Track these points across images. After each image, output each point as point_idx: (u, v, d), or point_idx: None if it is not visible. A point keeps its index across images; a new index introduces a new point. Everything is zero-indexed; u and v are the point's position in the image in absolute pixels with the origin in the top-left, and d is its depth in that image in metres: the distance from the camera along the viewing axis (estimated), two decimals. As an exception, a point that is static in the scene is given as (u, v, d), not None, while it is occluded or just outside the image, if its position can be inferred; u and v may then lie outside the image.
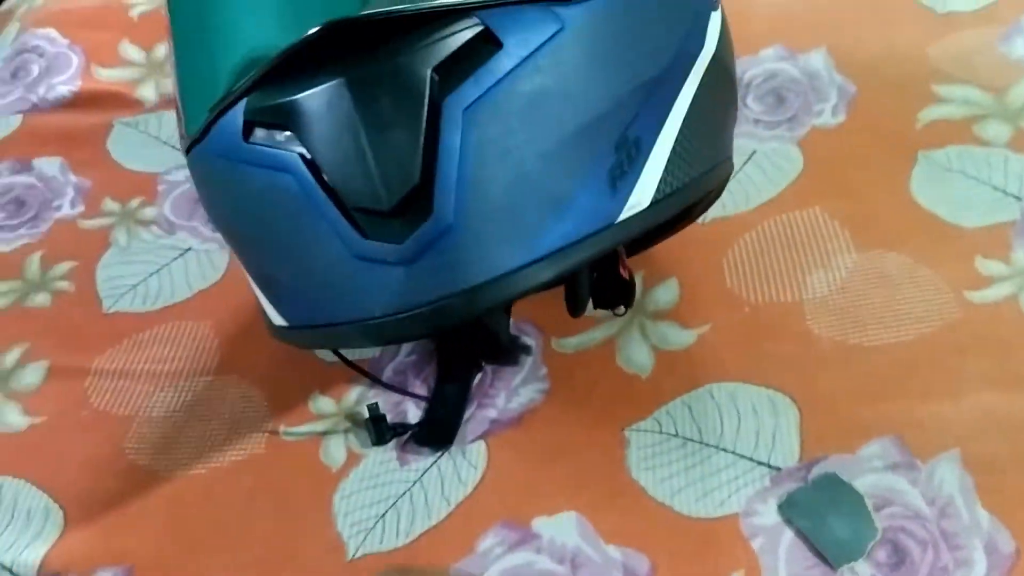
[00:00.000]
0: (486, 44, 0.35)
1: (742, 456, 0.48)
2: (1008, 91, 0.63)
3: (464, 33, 0.34)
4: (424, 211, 0.34)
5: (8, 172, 0.69)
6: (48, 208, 0.67)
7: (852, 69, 0.68)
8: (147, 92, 0.74)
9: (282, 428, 0.52)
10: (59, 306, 0.60)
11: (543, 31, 0.35)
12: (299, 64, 0.34)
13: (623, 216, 0.38)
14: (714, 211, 0.52)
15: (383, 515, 0.49)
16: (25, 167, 0.69)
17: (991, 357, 0.50)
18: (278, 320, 0.39)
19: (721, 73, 0.42)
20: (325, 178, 0.34)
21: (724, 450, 0.49)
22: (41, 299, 0.61)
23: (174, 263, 0.62)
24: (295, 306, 0.34)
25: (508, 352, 0.54)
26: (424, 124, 0.34)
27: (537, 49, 0.35)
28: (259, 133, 0.35)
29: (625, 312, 0.54)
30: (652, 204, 0.38)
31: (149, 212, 0.65)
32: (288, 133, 0.34)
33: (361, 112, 0.30)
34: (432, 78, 0.34)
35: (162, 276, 0.61)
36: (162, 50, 0.77)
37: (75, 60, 0.76)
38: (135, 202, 0.66)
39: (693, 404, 0.51)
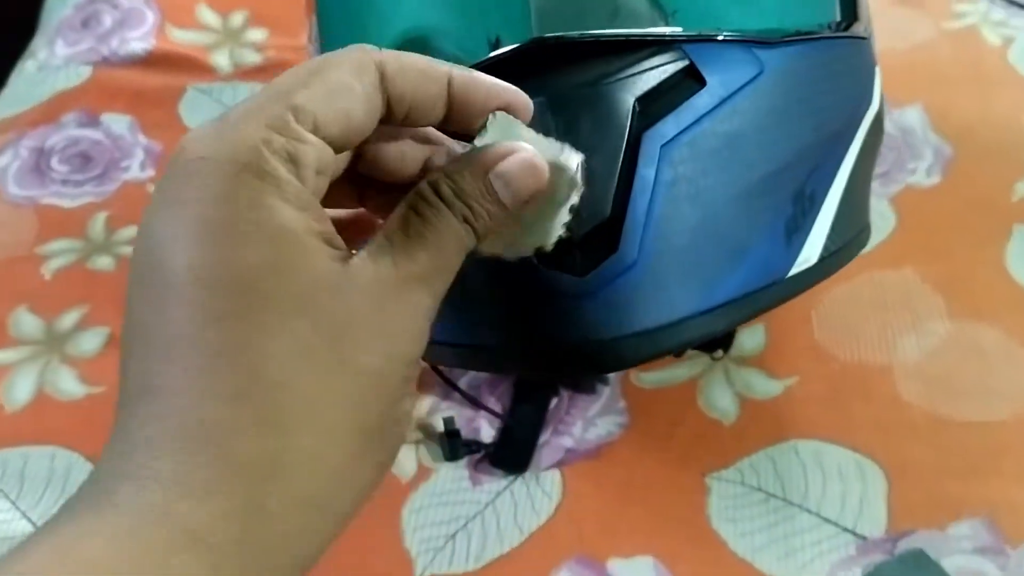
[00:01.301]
0: (688, 79, 0.33)
1: (827, 520, 0.47)
2: (1106, 174, 0.62)
3: (670, 66, 0.33)
4: (608, 246, 0.33)
5: (74, 124, 0.67)
6: (116, 168, 0.64)
7: (948, 130, 0.67)
8: (221, 60, 0.72)
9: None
10: (124, 272, 0.58)
11: (744, 73, 0.34)
12: (490, 74, 0.33)
13: (793, 272, 0.36)
14: (805, 261, 0.51)
15: (454, 535, 0.47)
16: (93, 121, 0.67)
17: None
18: None
19: (879, 132, 0.41)
20: None
21: (808, 511, 0.47)
22: (104, 262, 0.59)
23: (245, 242, 0.60)
24: (442, 324, 0.32)
25: (586, 380, 0.53)
26: (623, 156, 0.32)
27: (737, 90, 0.34)
28: None
29: (723, 356, 0.52)
30: (819, 262, 0.37)
31: (221, 186, 0.63)
32: None
33: (560, 135, 0.29)
34: (635, 109, 0.32)
35: (232, 254, 0.59)
36: (238, 17, 0.75)
37: (150, 17, 0.74)
38: (207, 173, 0.64)
39: (777, 458, 0.50)
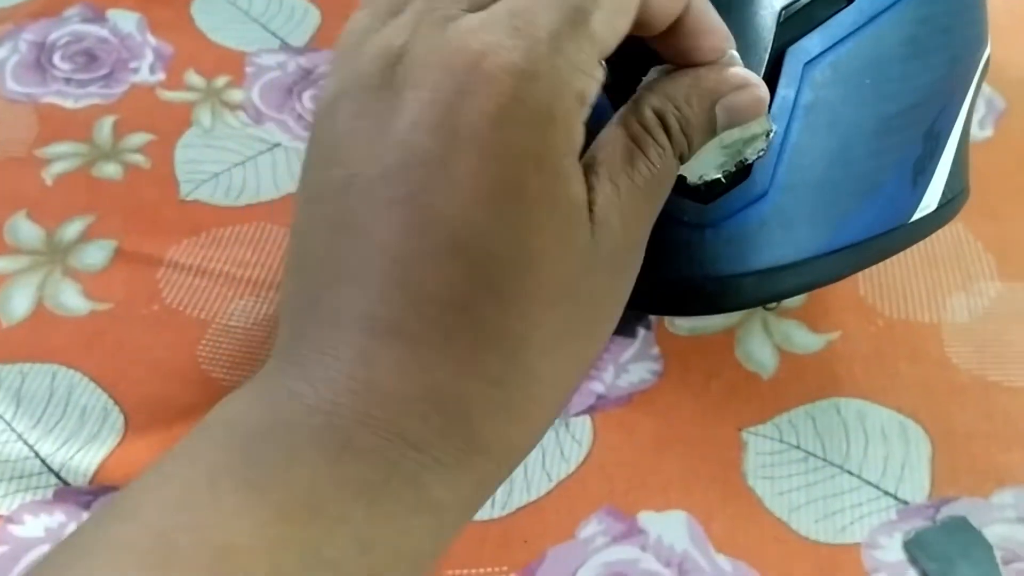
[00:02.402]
0: None
1: (868, 482, 0.45)
2: None
3: None
4: (737, 171, 0.29)
5: (78, 19, 0.62)
6: (124, 69, 0.60)
7: (1001, 83, 0.64)
8: (236, -42, 0.67)
9: (371, 363, 0.48)
10: (131, 182, 0.54)
11: None
12: None
13: (915, 217, 0.34)
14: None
15: (478, 480, 0.45)
16: (99, 17, 0.62)
17: None
18: None
19: (984, 75, 0.38)
20: None
21: (849, 472, 0.45)
22: (111, 170, 0.55)
23: (260, 157, 0.56)
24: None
25: (627, 321, 0.50)
26: (763, 72, 0.29)
27: (884, 10, 0.30)
28: None
29: (776, 308, 0.50)
30: (937, 209, 0.35)
31: (236, 95, 0.59)
32: None
33: None
34: (780, 20, 0.29)
35: (247, 169, 0.55)
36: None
37: (161, -92, 0.69)
38: (221, 80, 0.60)
39: (817, 416, 0.47)
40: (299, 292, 0.24)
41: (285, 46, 0.62)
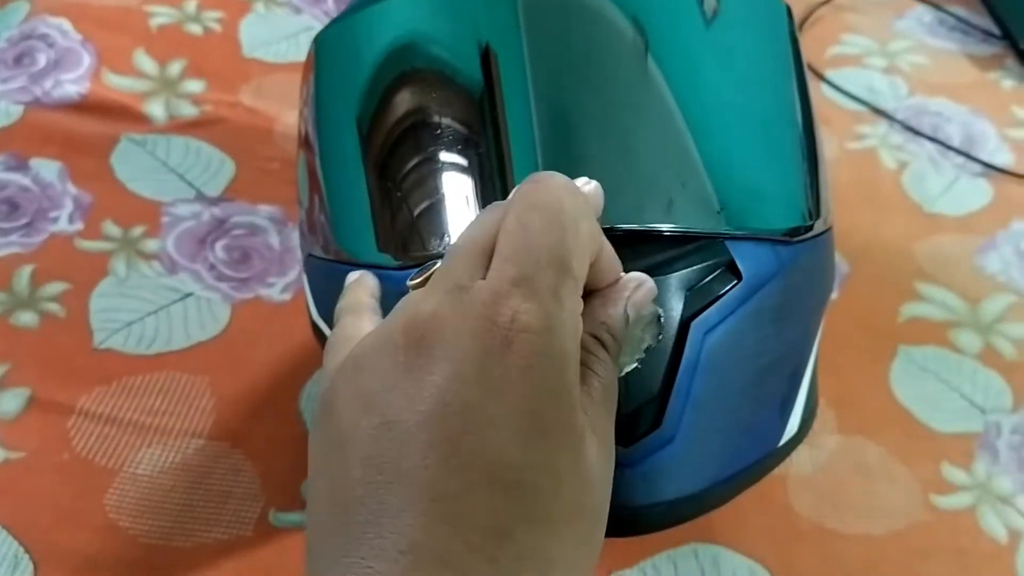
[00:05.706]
0: (726, 272, 0.37)
1: (719, 624, 0.51)
2: (980, 304, 0.68)
3: (714, 260, 0.37)
4: (652, 420, 0.36)
5: (2, 167, 0.65)
6: (44, 218, 0.63)
7: (846, 249, 0.72)
8: (156, 109, 0.72)
9: (272, 512, 0.51)
10: (46, 331, 0.57)
11: (769, 267, 0.38)
12: None
13: (782, 441, 0.41)
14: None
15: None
16: (22, 166, 0.66)
17: (949, 566, 0.54)
18: None
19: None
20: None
21: (703, 615, 0.51)
22: (27, 319, 0.58)
23: (173, 306, 0.60)
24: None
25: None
26: (673, 342, 0.35)
27: (763, 284, 0.38)
28: None
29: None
30: (798, 431, 0.42)
31: (151, 245, 0.63)
32: None
33: None
34: (686, 298, 0.36)
35: (160, 318, 0.59)
36: (175, 67, 0.75)
37: (86, 59, 0.73)
38: (137, 230, 0.64)
39: (678, 560, 0.53)
40: (336, 529, 0.27)
41: (200, 196, 0.67)
